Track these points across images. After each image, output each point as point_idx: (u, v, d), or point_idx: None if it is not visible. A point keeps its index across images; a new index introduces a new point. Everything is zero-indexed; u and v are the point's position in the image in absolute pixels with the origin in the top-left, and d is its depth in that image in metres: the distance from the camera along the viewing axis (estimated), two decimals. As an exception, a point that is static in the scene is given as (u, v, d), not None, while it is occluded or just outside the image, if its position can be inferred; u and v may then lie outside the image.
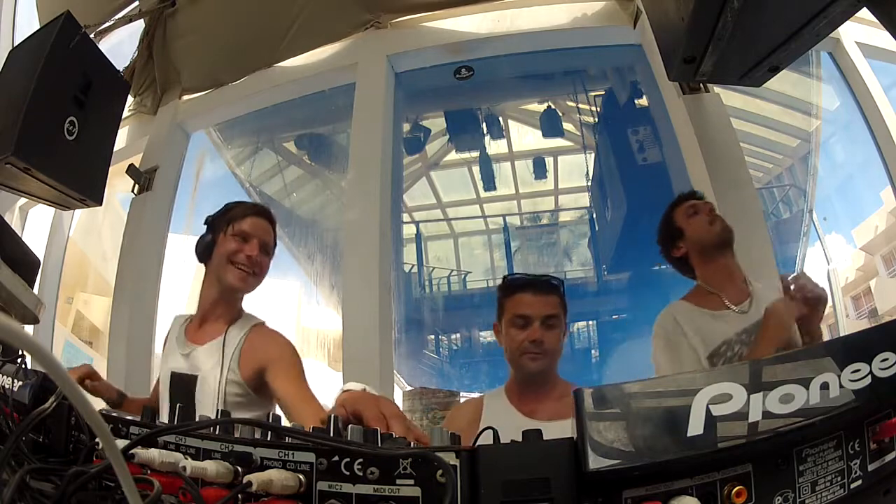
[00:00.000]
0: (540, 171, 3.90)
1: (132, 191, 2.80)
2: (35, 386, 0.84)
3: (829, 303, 2.80)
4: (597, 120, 3.40)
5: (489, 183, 3.92)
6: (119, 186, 2.92)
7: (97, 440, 0.63)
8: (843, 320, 2.85)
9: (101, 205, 2.11)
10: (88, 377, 1.57)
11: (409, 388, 3.13)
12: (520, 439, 0.58)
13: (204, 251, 1.58)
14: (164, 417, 1.29)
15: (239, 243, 1.52)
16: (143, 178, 2.78)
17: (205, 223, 1.64)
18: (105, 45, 2.61)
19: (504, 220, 4.19)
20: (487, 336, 3.74)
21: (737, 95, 2.81)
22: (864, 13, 0.94)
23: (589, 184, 3.75)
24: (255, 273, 1.54)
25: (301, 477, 0.57)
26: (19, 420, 0.77)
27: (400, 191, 3.18)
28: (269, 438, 0.62)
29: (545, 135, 3.55)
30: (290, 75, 2.84)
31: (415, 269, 4.12)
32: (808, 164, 3.05)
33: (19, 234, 2.25)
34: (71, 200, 1.98)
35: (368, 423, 0.74)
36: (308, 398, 1.45)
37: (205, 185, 3.30)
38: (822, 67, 2.81)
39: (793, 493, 0.55)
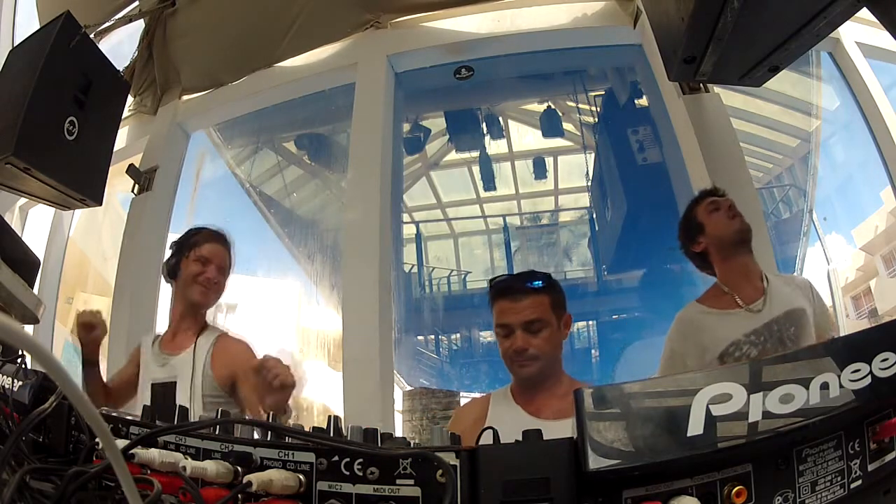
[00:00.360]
0: (540, 171, 3.90)
1: (132, 191, 2.80)
2: (35, 386, 0.84)
3: (830, 303, 2.81)
4: (597, 120, 3.40)
5: (489, 183, 3.92)
6: (119, 186, 2.92)
7: (97, 440, 0.63)
8: (843, 320, 2.85)
9: (101, 205, 2.10)
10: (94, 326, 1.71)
11: (409, 388, 3.13)
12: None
13: (170, 272, 1.80)
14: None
15: (200, 267, 1.73)
16: (143, 178, 2.78)
17: (170, 247, 1.86)
18: (105, 45, 2.61)
19: (504, 220, 4.19)
20: (487, 336, 3.74)
21: (737, 95, 2.81)
22: (864, 13, 0.94)
23: (589, 184, 3.75)
24: (215, 291, 1.75)
25: (301, 477, 0.57)
26: (19, 420, 0.77)
27: (400, 191, 3.18)
28: (269, 438, 0.62)
29: (545, 135, 3.55)
30: (290, 75, 2.83)
31: (415, 269, 4.12)
32: (808, 164, 3.05)
33: (19, 234, 2.25)
34: (71, 200, 1.98)
35: None
36: None
37: (205, 185, 3.30)
38: (822, 67, 2.81)
39: (793, 493, 0.55)
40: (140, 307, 2.57)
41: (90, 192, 2.02)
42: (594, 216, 3.84)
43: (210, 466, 0.57)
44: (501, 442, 0.72)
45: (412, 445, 0.60)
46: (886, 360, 0.54)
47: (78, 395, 0.32)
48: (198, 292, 1.72)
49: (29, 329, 0.57)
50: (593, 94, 3.30)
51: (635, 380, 0.56)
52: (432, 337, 3.90)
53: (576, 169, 3.89)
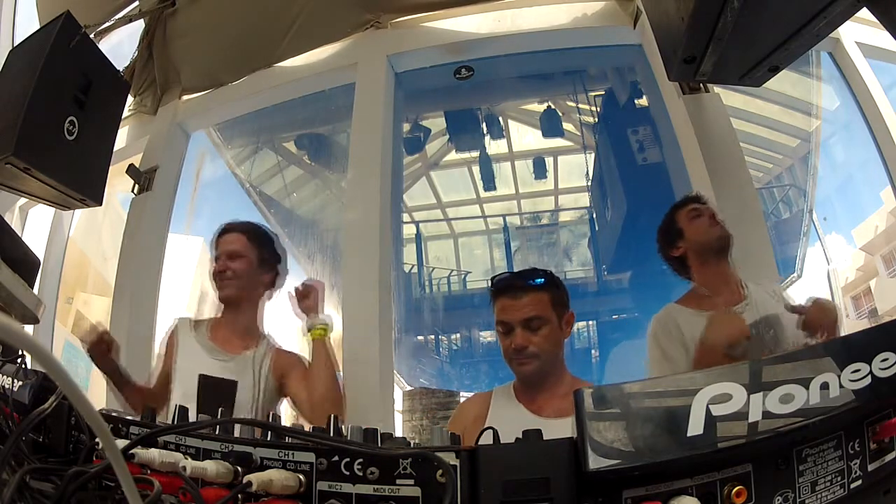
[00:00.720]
0: (540, 171, 3.90)
1: (132, 191, 2.79)
2: (35, 386, 0.84)
3: (830, 304, 2.80)
4: (597, 120, 3.40)
5: (489, 183, 3.91)
6: (119, 186, 2.92)
7: (97, 440, 0.63)
8: (843, 320, 2.85)
9: (101, 205, 2.10)
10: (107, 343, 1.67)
11: (409, 388, 3.13)
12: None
13: None
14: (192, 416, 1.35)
15: (214, 264, 1.75)
16: (143, 178, 2.77)
17: None
18: (105, 45, 2.61)
19: (504, 220, 4.19)
20: (488, 336, 3.74)
21: (737, 95, 2.80)
22: (864, 13, 0.94)
23: (589, 184, 3.75)
24: (229, 278, 1.71)
25: (301, 477, 0.57)
26: (19, 420, 0.77)
27: (400, 191, 3.18)
28: (269, 438, 0.62)
29: (545, 135, 3.55)
30: (290, 75, 2.83)
31: (415, 269, 4.12)
32: (808, 164, 3.05)
33: (19, 234, 2.25)
34: (71, 200, 1.98)
35: None
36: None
37: (205, 185, 3.30)
38: (822, 67, 2.81)
39: (793, 493, 0.55)
40: (140, 307, 2.56)
41: (90, 192, 2.02)
42: (594, 216, 3.83)
43: (210, 466, 0.57)
44: (502, 440, 0.72)
45: (412, 445, 0.60)
46: (886, 360, 0.54)
47: (78, 395, 0.32)
48: (217, 288, 1.73)
49: (29, 329, 0.57)
50: (593, 94, 3.30)
51: (635, 380, 0.56)
52: (432, 337, 3.90)
53: (576, 169, 3.89)
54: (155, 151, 2.89)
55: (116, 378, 1.68)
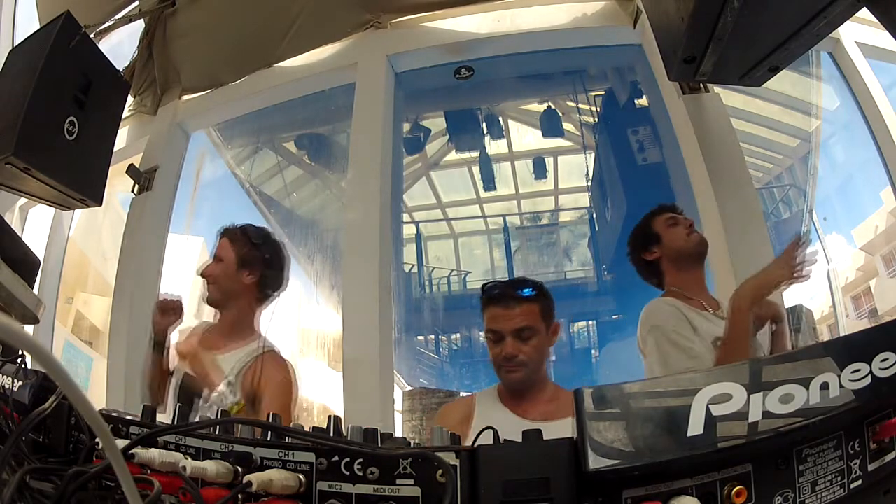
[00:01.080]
0: (540, 171, 3.90)
1: (132, 191, 2.79)
2: (35, 386, 0.84)
3: (830, 303, 2.80)
4: (597, 120, 3.40)
5: (489, 183, 3.91)
6: (119, 186, 2.92)
7: (97, 440, 0.63)
8: (843, 320, 2.85)
9: (101, 205, 2.10)
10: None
11: (408, 388, 3.13)
12: (512, 439, 0.58)
13: None
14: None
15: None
16: (143, 178, 2.77)
17: None
18: (105, 45, 2.61)
19: (504, 220, 4.18)
20: (487, 336, 3.73)
21: (737, 95, 2.80)
22: (864, 13, 0.94)
23: (589, 184, 3.74)
24: (210, 283, 1.74)
25: (301, 477, 0.57)
26: (19, 420, 0.77)
27: (400, 191, 3.18)
28: (269, 438, 0.62)
29: (545, 135, 3.55)
30: (290, 75, 2.83)
31: (415, 269, 4.12)
32: (808, 164, 3.05)
33: (19, 234, 2.25)
34: (71, 200, 1.98)
35: None
36: None
37: (205, 185, 3.30)
38: (822, 67, 2.81)
39: (793, 493, 0.55)
40: (140, 307, 2.56)
41: (90, 192, 2.02)
42: (594, 216, 3.83)
43: (210, 466, 0.57)
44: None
45: (412, 445, 0.60)
46: (886, 360, 0.54)
47: (78, 395, 0.32)
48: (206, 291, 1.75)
49: (29, 329, 0.57)
50: (593, 94, 3.30)
51: (635, 380, 0.56)
52: (432, 337, 3.90)
53: (576, 169, 3.88)
54: (155, 151, 2.89)
55: (159, 346, 1.74)
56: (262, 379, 1.62)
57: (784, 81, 2.93)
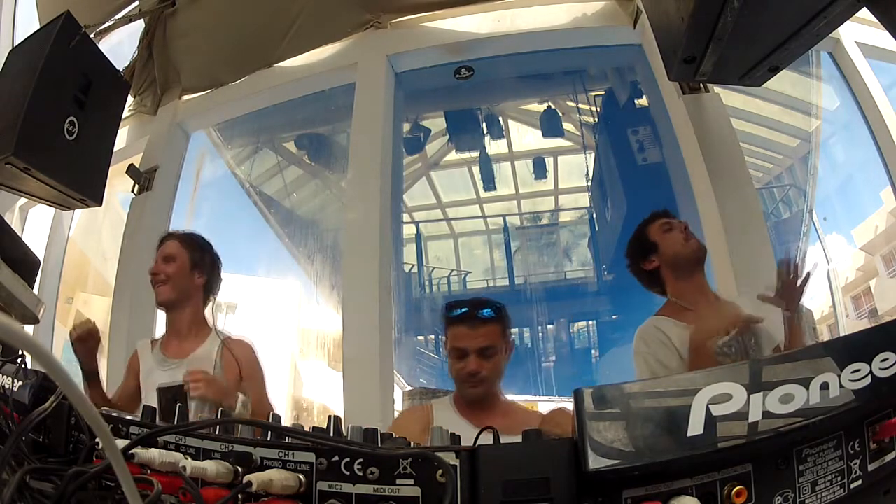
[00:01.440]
0: (540, 171, 3.89)
1: (132, 191, 2.80)
2: (35, 386, 0.84)
3: (830, 303, 2.80)
4: (597, 120, 3.40)
5: (489, 183, 3.91)
6: (119, 186, 2.92)
7: (97, 440, 0.63)
8: (843, 320, 2.85)
9: (101, 205, 2.11)
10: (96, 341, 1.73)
11: (408, 387, 3.13)
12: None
13: None
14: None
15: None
16: (143, 178, 2.77)
17: None
18: (105, 45, 2.61)
19: (504, 220, 4.18)
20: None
21: (737, 95, 2.80)
22: (864, 13, 0.94)
23: (589, 184, 3.74)
24: (162, 281, 1.74)
25: (301, 477, 0.57)
26: (19, 420, 0.77)
27: (400, 191, 3.18)
28: (269, 438, 0.62)
29: (545, 135, 3.55)
30: (290, 75, 2.83)
31: (415, 269, 4.12)
32: (808, 164, 3.05)
33: (19, 234, 2.25)
34: (71, 200, 1.98)
35: None
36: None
37: (205, 185, 3.30)
38: (822, 67, 2.81)
39: (793, 493, 0.55)
40: (140, 307, 2.56)
41: (90, 192, 2.02)
42: (594, 216, 3.83)
43: (210, 466, 0.57)
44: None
45: (412, 445, 0.60)
46: (886, 360, 0.54)
47: (78, 395, 0.33)
48: (155, 295, 1.75)
49: (29, 329, 0.57)
50: (593, 94, 3.30)
51: (635, 380, 0.56)
52: (432, 337, 3.90)
53: (576, 169, 3.88)
54: (155, 151, 2.89)
55: (91, 377, 1.73)
56: (237, 358, 1.66)
57: (784, 81, 2.93)
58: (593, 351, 3.65)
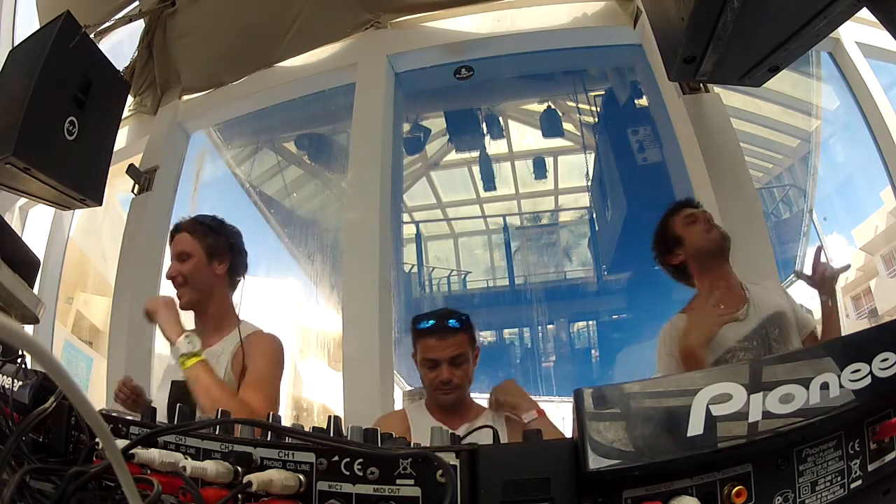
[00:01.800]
0: (540, 171, 3.90)
1: (132, 191, 2.80)
2: (35, 386, 0.84)
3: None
4: (597, 120, 3.40)
5: (489, 183, 3.91)
6: (119, 186, 2.92)
7: (97, 440, 0.63)
8: (843, 320, 2.85)
9: (101, 205, 2.11)
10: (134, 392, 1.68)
11: (409, 388, 3.13)
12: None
13: None
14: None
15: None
16: (143, 178, 2.78)
17: None
18: (105, 45, 2.61)
19: (504, 220, 4.18)
20: (487, 336, 3.74)
21: (737, 95, 2.81)
22: (864, 13, 0.94)
23: (589, 184, 3.75)
24: (181, 284, 1.63)
25: (301, 477, 0.57)
26: (19, 420, 0.77)
27: (400, 191, 3.18)
28: (269, 438, 0.62)
29: (545, 135, 3.55)
30: (290, 75, 2.84)
31: (415, 269, 4.12)
32: (808, 164, 3.05)
33: (19, 234, 2.25)
34: (71, 200, 1.98)
35: None
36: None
37: (205, 185, 3.30)
38: (822, 67, 2.81)
39: (793, 493, 0.55)
40: (140, 307, 2.56)
41: (90, 192, 2.02)
42: (594, 216, 3.83)
43: (210, 466, 0.57)
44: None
45: (412, 445, 0.60)
46: (886, 360, 0.54)
47: (78, 395, 0.32)
48: (176, 297, 1.64)
49: (29, 329, 0.57)
50: (593, 94, 3.30)
51: (635, 380, 0.56)
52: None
53: (576, 169, 3.89)
54: (155, 151, 2.89)
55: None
56: (251, 346, 1.59)
57: (784, 81, 2.93)
58: (593, 351, 3.65)
